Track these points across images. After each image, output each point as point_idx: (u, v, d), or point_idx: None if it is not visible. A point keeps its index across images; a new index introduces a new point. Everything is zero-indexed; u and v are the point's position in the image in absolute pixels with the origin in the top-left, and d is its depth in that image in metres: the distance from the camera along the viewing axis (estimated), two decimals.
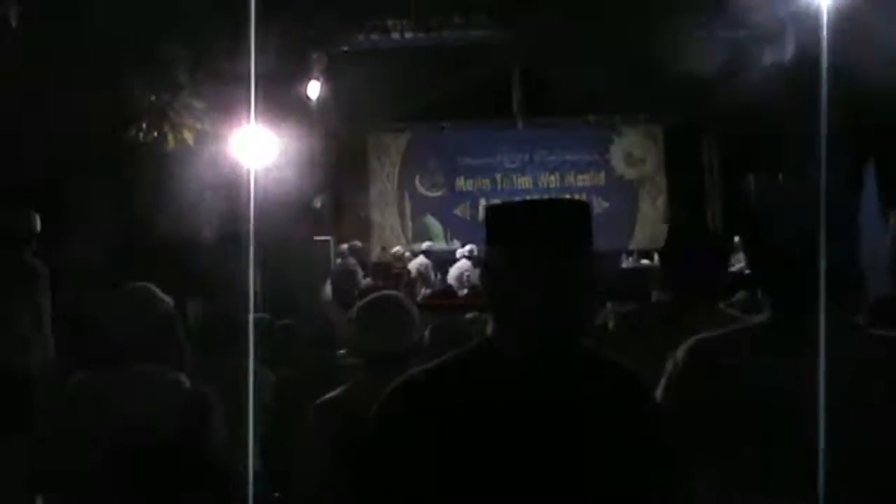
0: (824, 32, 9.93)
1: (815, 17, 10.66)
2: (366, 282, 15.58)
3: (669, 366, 2.40)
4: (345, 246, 16.22)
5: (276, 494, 4.35)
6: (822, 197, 2.42)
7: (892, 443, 2.15)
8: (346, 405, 3.40)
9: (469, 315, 8.09)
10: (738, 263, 13.21)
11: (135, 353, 3.53)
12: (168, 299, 3.73)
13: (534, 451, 2.04)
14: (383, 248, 18.70)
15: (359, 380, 3.58)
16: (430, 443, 2.05)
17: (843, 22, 9.75)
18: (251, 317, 4.67)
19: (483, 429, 2.04)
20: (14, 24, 8.15)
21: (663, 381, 2.38)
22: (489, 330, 2.17)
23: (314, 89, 14.80)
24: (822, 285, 2.15)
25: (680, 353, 2.40)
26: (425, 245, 17.27)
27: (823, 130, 3.08)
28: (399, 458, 2.09)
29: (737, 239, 9.68)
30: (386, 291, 3.67)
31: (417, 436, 2.08)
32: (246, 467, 3.44)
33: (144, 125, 9.60)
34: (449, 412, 2.07)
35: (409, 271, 16.09)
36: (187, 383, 3.58)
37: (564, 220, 2.07)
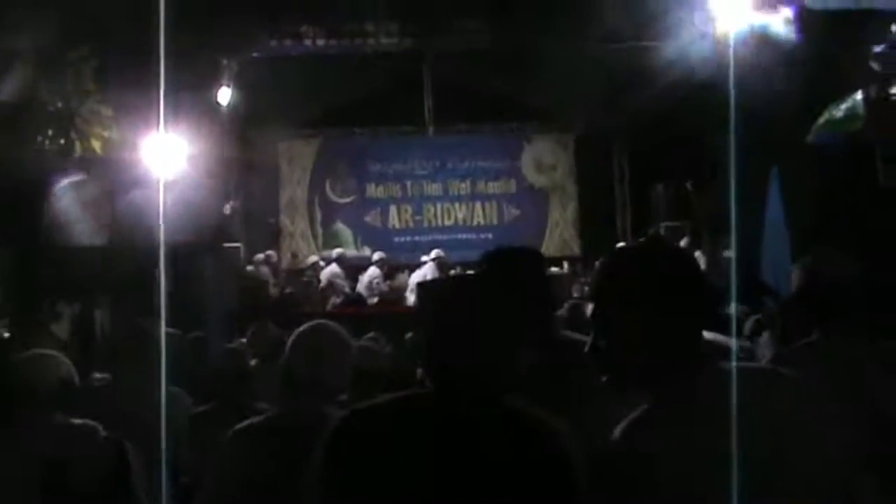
0: (732, 45, 10.12)
1: (725, 30, 10.88)
2: (275, 290, 15.50)
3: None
4: (260, 256, 16.09)
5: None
6: (732, 213, 2.41)
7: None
8: (266, 432, 3.37)
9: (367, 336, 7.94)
10: None
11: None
12: (68, 362, 3.70)
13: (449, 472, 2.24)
14: (294, 256, 18.58)
15: (281, 408, 3.53)
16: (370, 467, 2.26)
17: (752, 35, 9.97)
18: (163, 332, 4.54)
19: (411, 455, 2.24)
20: None
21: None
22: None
23: (224, 95, 14.66)
24: (733, 321, 2.12)
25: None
26: (336, 252, 17.09)
27: (731, 142, 3.09)
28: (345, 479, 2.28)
29: None
30: (322, 321, 3.59)
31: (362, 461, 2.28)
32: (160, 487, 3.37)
33: (50, 132, 9.36)
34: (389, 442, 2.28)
35: (319, 280, 15.99)
36: (103, 432, 3.52)
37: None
